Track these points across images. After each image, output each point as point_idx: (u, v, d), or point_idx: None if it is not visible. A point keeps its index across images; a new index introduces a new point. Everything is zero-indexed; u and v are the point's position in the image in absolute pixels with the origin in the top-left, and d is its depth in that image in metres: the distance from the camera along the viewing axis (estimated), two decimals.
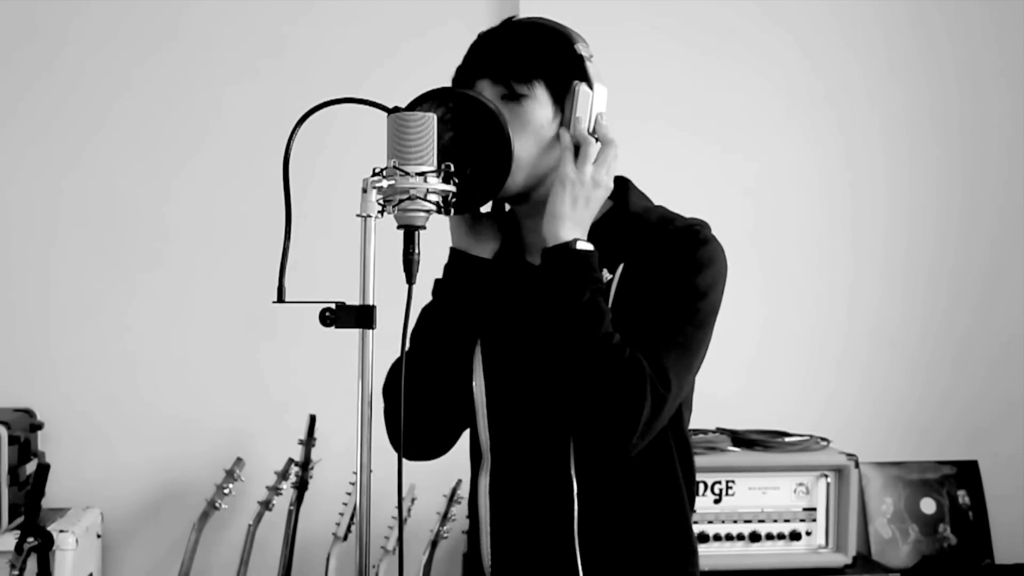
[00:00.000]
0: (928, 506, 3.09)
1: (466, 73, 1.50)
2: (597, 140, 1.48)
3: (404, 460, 1.35)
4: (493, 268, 1.53)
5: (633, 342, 1.38)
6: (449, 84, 1.53)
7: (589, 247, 1.42)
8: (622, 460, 1.44)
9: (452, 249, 1.54)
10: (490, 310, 1.53)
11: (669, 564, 1.52)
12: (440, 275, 1.57)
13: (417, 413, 1.52)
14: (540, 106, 1.47)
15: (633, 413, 1.35)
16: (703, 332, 1.45)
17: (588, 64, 1.49)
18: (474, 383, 1.54)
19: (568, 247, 1.41)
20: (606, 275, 1.46)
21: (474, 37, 1.53)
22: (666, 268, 1.44)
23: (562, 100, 1.48)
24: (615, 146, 1.47)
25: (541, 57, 1.48)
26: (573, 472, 1.47)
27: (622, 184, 1.55)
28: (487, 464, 1.56)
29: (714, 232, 1.50)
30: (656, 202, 1.58)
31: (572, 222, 1.43)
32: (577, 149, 1.46)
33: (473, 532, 1.60)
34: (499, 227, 1.57)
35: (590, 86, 1.48)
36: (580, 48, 1.49)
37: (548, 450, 1.49)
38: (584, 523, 1.47)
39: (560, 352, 1.39)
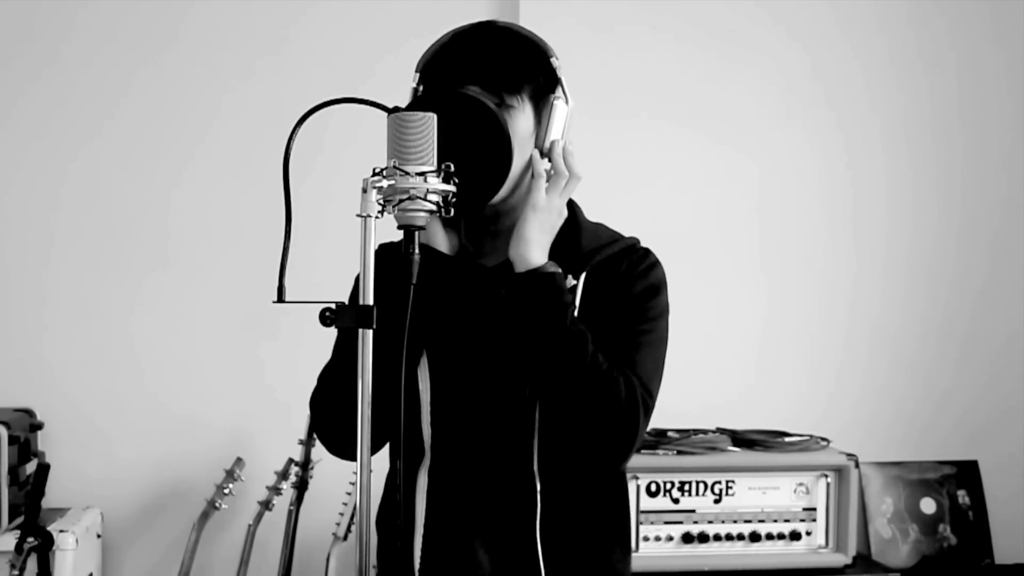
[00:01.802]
0: (928, 506, 3.09)
1: (451, 76, 1.49)
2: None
3: (401, 460, 1.36)
4: (455, 268, 1.53)
5: (609, 358, 1.43)
6: (430, 84, 1.52)
7: (557, 269, 1.47)
8: (613, 472, 1.49)
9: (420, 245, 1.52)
10: (442, 308, 1.53)
11: (615, 561, 1.54)
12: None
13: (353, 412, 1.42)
14: (524, 117, 1.49)
15: (632, 427, 1.42)
16: (664, 347, 1.53)
17: (561, 77, 1.51)
18: (419, 379, 1.53)
19: (541, 271, 1.45)
20: (570, 280, 1.49)
21: (460, 29, 1.53)
22: (626, 289, 1.51)
23: (540, 113, 1.50)
24: (579, 179, 1.51)
25: (527, 68, 1.49)
26: (536, 470, 1.48)
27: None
28: (427, 462, 1.54)
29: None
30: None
31: (539, 246, 1.47)
32: (548, 175, 1.49)
33: (397, 535, 1.55)
34: (458, 228, 1.56)
35: (565, 101, 1.51)
36: (554, 61, 1.52)
37: (503, 447, 1.49)
38: (545, 521, 1.48)
39: (550, 377, 1.42)
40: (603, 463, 1.46)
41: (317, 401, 1.55)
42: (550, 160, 1.50)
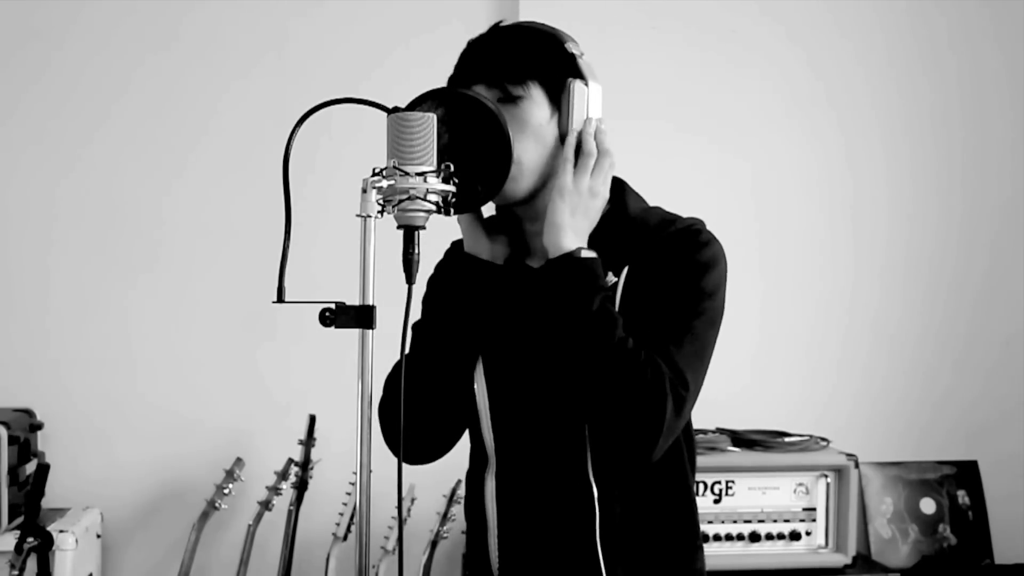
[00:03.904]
0: (928, 506, 3.09)
1: (459, 79, 1.50)
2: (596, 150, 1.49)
3: (401, 460, 1.35)
4: (504, 274, 1.53)
5: (646, 344, 1.39)
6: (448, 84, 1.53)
7: (592, 254, 1.43)
8: (644, 464, 1.44)
9: (466, 254, 1.53)
10: (493, 316, 1.53)
11: (682, 560, 1.53)
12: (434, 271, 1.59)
13: (418, 418, 1.52)
14: (537, 106, 1.47)
15: (657, 416, 1.36)
16: (713, 331, 1.46)
17: (580, 61, 1.49)
18: (476, 386, 1.54)
19: (572, 256, 1.42)
20: (611, 278, 1.46)
21: (474, 37, 1.54)
22: (672, 271, 1.45)
23: (558, 99, 1.48)
24: (611, 156, 1.48)
25: (533, 57, 1.48)
26: (592, 476, 1.46)
27: (618, 186, 1.55)
28: (492, 467, 1.55)
29: (712, 229, 1.51)
30: (657, 203, 1.58)
31: (573, 231, 1.44)
32: (577, 158, 1.47)
33: (477, 534, 1.59)
34: (505, 231, 1.56)
35: (584, 83, 1.48)
36: (570, 47, 1.50)
37: (560, 454, 1.49)
38: (605, 526, 1.46)
39: (576, 362, 1.39)
40: (630, 451, 1.42)
41: (384, 407, 1.55)
42: (580, 142, 1.48)
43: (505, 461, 1.54)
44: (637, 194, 1.57)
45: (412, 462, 1.58)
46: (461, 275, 1.53)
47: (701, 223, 1.51)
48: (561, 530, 1.49)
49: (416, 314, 1.56)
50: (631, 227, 1.50)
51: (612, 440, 1.42)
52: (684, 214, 1.53)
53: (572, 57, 1.49)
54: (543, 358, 1.46)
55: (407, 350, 1.41)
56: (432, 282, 1.59)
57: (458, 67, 1.52)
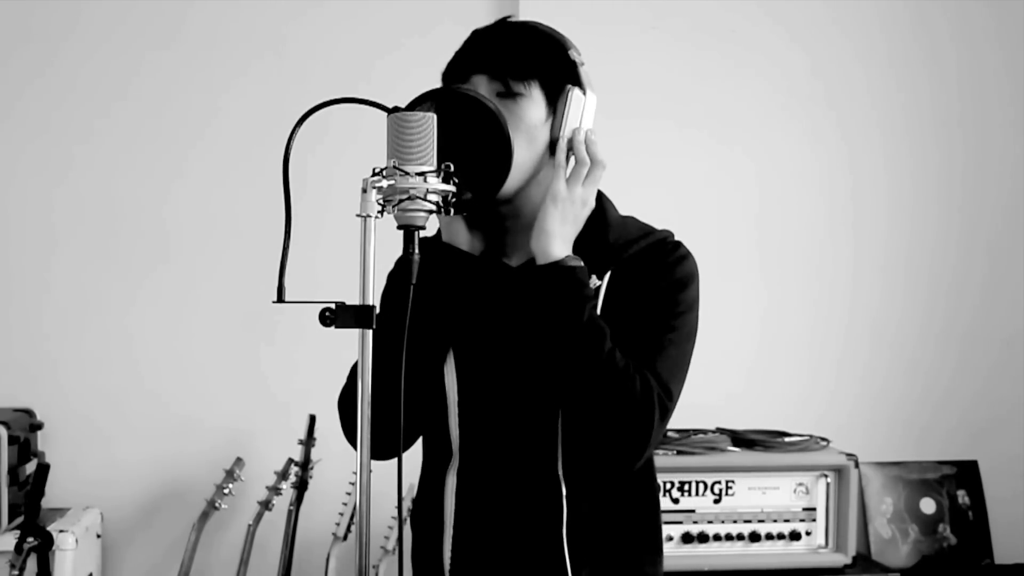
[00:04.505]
0: (928, 506, 3.09)
1: (461, 68, 1.50)
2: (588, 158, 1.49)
3: (401, 459, 1.34)
4: (481, 267, 1.53)
5: (631, 356, 1.41)
6: (446, 82, 1.53)
7: (580, 262, 1.45)
8: (626, 472, 1.46)
9: (443, 243, 1.53)
10: (467, 308, 1.52)
11: (645, 561, 1.54)
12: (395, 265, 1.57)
13: (387, 410, 1.44)
14: (534, 106, 1.47)
15: (645, 427, 1.39)
16: (690, 344, 1.50)
17: (581, 70, 1.50)
18: (446, 380, 1.53)
19: (562, 265, 1.43)
20: (595, 281, 1.48)
21: (479, 27, 1.54)
22: (653, 285, 1.48)
23: (555, 103, 1.49)
24: (603, 167, 1.48)
25: (538, 58, 1.48)
26: (561, 473, 1.47)
27: (598, 194, 1.56)
28: (455, 463, 1.54)
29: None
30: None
31: (561, 239, 1.45)
32: (567, 162, 1.47)
33: (429, 535, 1.56)
34: (480, 225, 1.55)
35: (583, 91, 1.49)
36: (573, 54, 1.51)
37: (530, 450, 1.49)
38: (572, 524, 1.47)
39: (565, 371, 1.40)
40: (616, 462, 1.44)
41: (345, 399, 1.55)
42: (572, 149, 1.48)
43: (469, 456, 1.53)
44: (611, 202, 1.58)
45: (378, 457, 1.50)
46: (437, 264, 1.51)
47: (672, 234, 1.54)
48: (525, 528, 1.49)
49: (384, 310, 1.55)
50: (612, 233, 1.52)
51: (597, 449, 1.43)
52: (661, 222, 1.56)
53: (574, 64, 1.50)
54: (523, 358, 1.46)
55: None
56: (392, 277, 1.57)
57: (460, 54, 1.52)
